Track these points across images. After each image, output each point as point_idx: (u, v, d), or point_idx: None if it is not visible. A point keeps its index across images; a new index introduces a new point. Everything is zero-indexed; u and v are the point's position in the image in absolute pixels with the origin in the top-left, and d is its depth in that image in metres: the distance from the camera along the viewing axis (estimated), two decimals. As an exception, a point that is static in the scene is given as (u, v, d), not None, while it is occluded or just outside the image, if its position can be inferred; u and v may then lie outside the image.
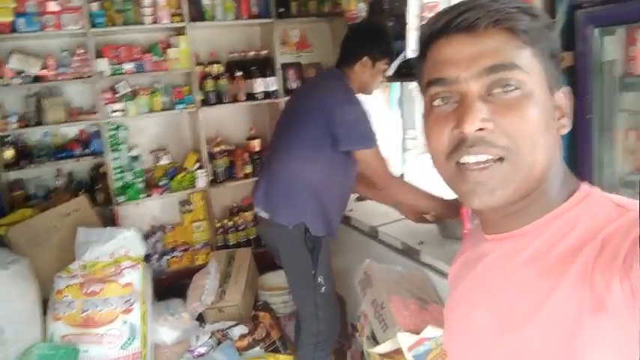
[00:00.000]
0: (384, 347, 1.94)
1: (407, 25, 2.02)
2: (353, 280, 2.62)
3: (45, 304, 2.78)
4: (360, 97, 2.33)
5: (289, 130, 2.33)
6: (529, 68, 0.64)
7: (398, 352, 1.90)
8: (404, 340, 1.85)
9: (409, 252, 2.34)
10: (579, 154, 1.63)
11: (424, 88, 0.71)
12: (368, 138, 2.18)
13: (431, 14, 1.99)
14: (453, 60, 0.65)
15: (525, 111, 0.63)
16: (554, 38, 0.67)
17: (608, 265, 0.56)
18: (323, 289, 2.38)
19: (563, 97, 0.69)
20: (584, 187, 0.68)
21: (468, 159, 0.64)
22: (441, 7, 1.97)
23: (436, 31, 0.68)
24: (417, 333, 1.88)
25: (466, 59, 0.64)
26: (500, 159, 0.63)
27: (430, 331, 1.85)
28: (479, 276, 0.75)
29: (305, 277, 2.37)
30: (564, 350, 0.59)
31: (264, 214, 2.41)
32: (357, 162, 2.28)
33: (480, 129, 0.63)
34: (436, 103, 0.68)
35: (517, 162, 0.63)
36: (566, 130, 0.68)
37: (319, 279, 2.37)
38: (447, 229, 2.35)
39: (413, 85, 3.48)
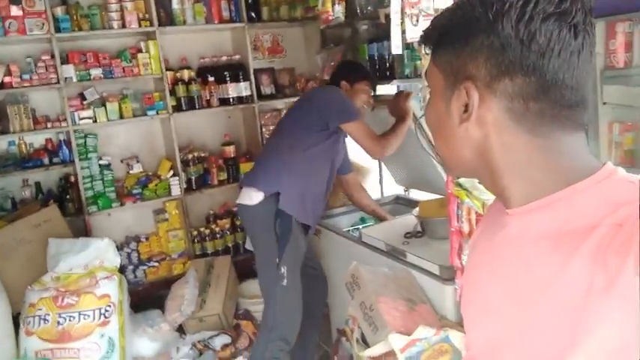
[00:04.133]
0: (375, 350, 1.92)
1: (391, 22, 2.02)
2: (338, 285, 2.60)
3: (16, 319, 2.66)
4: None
5: (283, 121, 2.75)
6: (430, 72, 0.74)
7: (390, 354, 1.88)
8: (395, 341, 1.83)
9: (394, 253, 2.33)
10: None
11: None
12: (352, 112, 2.52)
13: (412, 10, 1.99)
14: None
15: (426, 108, 0.77)
16: (459, 33, 0.68)
17: (623, 244, 0.55)
18: (285, 281, 2.41)
19: (464, 90, 0.68)
20: (607, 168, 0.66)
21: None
22: (422, 2, 1.97)
23: None
24: (408, 334, 1.86)
25: None
26: None
27: (421, 332, 1.83)
28: (494, 247, 0.75)
29: (268, 264, 2.44)
30: (573, 327, 0.59)
31: (240, 200, 2.53)
32: (343, 151, 2.71)
33: None
34: None
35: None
36: (467, 122, 0.69)
37: (282, 269, 2.40)
38: (431, 229, 2.36)
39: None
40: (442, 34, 0.71)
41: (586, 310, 0.57)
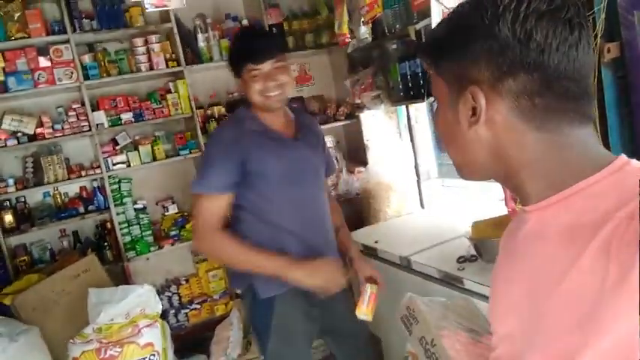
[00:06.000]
0: (442, 389, 1.75)
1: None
2: (388, 317, 2.43)
3: (60, 376, 2.59)
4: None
5: None
6: (434, 85, 0.76)
7: (459, 393, 1.71)
8: (464, 378, 1.67)
9: (449, 280, 2.17)
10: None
11: None
12: (196, 180, 1.87)
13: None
14: None
15: (434, 119, 0.81)
16: (457, 42, 0.70)
17: (634, 238, 0.55)
18: None
19: (470, 95, 0.70)
20: (620, 160, 0.66)
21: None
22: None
23: None
24: (477, 369, 1.69)
25: None
26: None
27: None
28: (516, 246, 0.76)
29: None
30: (587, 320, 0.59)
31: None
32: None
33: None
34: None
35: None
36: (475, 125, 0.71)
37: None
38: (487, 251, 2.19)
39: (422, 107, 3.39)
40: (441, 44, 0.73)
41: (600, 303, 0.57)
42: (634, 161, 0.66)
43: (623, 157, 0.67)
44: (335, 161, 2.21)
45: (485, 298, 1.97)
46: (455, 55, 0.70)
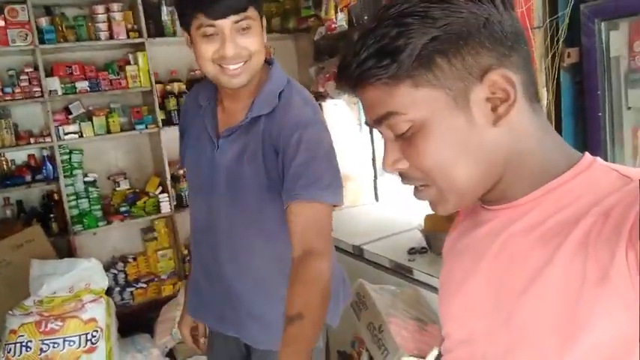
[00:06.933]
0: (387, 374, 1.79)
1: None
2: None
3: (-4, 347, 2.49)
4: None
5: None
6: (410, 104, 0.62)
7: (403, 378, 1.75)
8: (410, 365, 1.71)
9: (399, 270, 2.22)
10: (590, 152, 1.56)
11: None
12: None
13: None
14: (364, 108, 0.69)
15: (422, 147, 0.63)
16: (447, 34, 0.60)
17: (612, 235, 0.54)
18: None
19: (492, 82, 0.62)
20: (587, 158, 0.65)
21: (406, 187, 0.70)
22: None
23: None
24: (421, 357, 1.74)
25: (366, 110, 0.68)
26: (427, 185, 0.66)
27: (436, 354, 1.72)
28: (475, 244, 0.73)
29: None
30: (565, 320, 0.57)
31: None
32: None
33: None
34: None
35: (440, 187, 0.65)
36: (506, 116, 0.62)
37: None
38: (438, 244, 2.24)
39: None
40: (430, 49, 0.61)
41: (581, 302, 0.56)
42: (599, 159, 0.65)
43: (588, 154, 0.65)
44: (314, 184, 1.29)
45: (433, 288, 2.03)
46: (448, 54, 0.60)
